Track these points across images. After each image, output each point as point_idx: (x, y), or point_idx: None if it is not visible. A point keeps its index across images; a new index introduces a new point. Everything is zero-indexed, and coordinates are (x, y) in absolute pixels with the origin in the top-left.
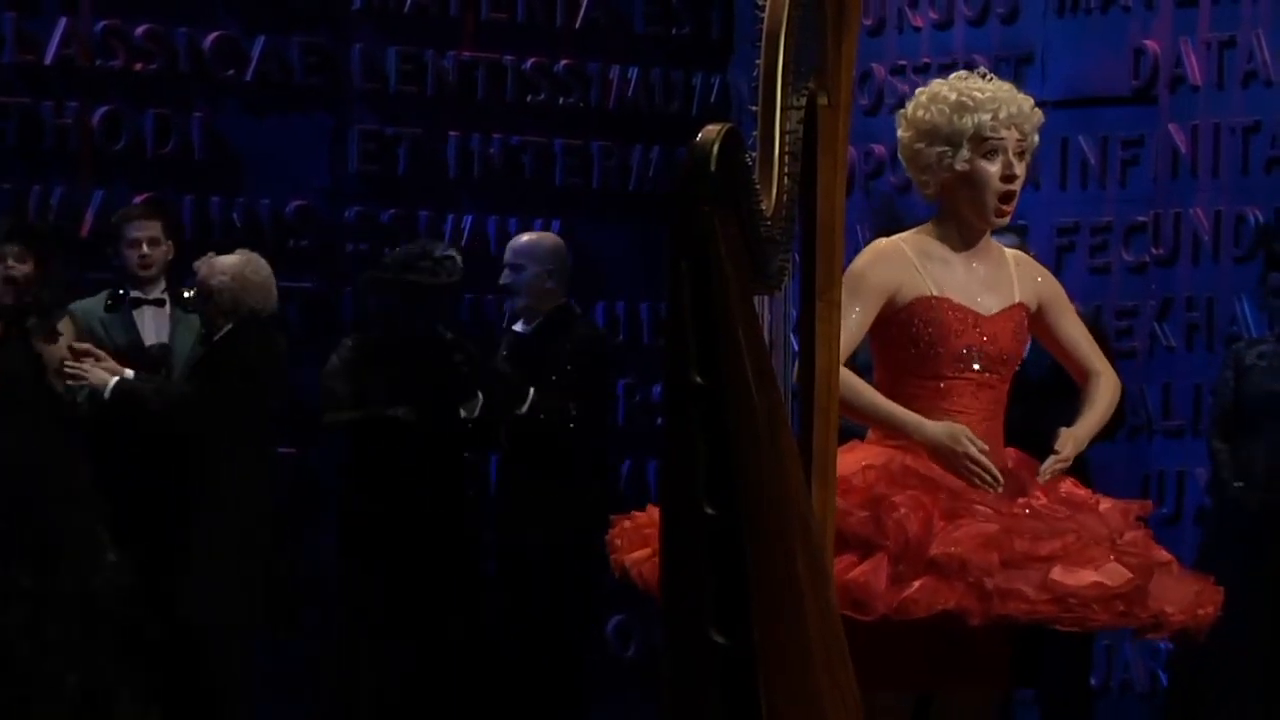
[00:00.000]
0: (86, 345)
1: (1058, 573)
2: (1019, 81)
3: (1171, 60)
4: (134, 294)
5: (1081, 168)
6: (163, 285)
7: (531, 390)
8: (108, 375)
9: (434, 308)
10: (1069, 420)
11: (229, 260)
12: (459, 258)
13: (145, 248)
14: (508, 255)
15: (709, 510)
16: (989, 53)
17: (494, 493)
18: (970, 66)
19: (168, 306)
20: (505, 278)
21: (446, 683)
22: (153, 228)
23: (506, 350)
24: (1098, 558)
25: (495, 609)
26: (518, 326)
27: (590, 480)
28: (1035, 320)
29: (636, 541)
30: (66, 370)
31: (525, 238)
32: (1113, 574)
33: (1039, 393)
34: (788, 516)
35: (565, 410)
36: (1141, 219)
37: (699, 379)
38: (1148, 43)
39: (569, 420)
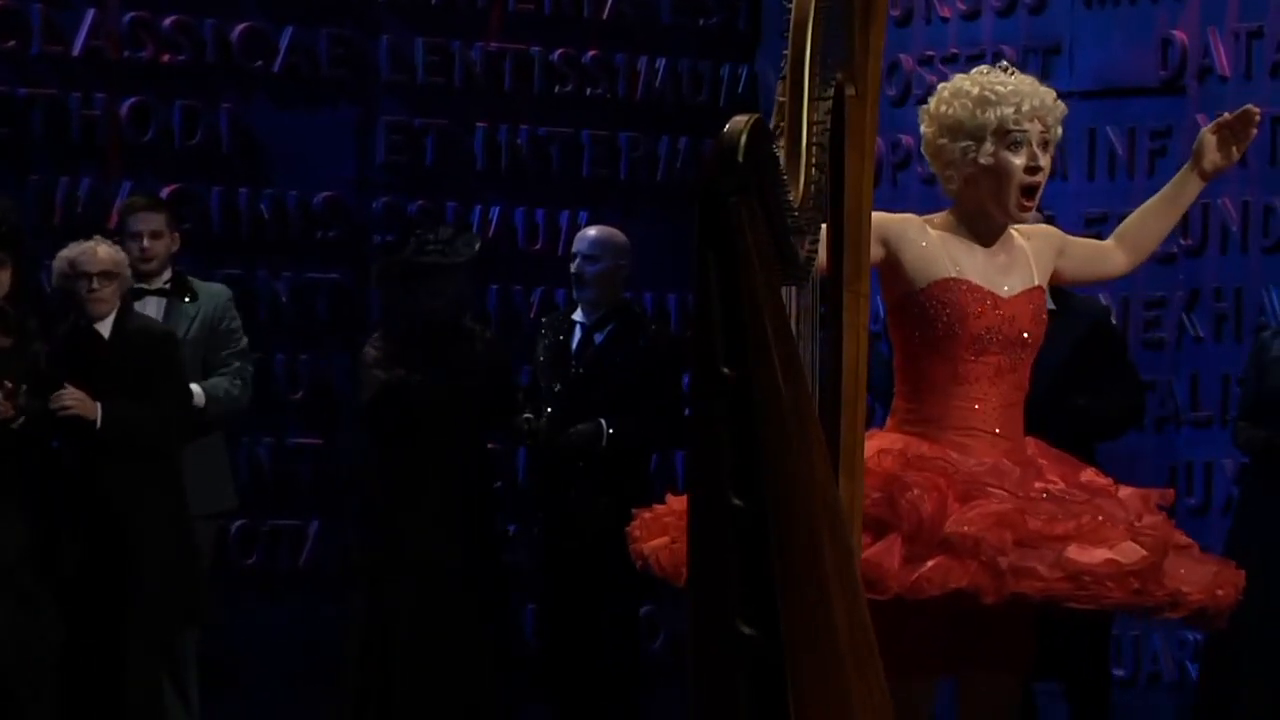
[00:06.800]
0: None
1: (1072, 551)
2: (1046, 72)
3: (1199, 50)
4: (138, 285)
5: (1109, 158)
6: (165, 276)
7: (603, 423)
8: (94, 406)
9: (441, 287)
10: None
11: (106, 249)
12: (476, 241)
13: (146, 240)
14: (583, 246)
15: (736, 501)
16: (1016, 43)
17: (523, 483)
18: (998, 57)
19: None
20: (577, 266)
21: (470, 673)
22: (155, 221)
23: (576, 343)
24: (1113, 538)
25: (528, 600)
26: (578, 315)
27: (626, 474)
28: (1059, 273)
29: (655, 530)
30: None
31: (594, 231)
32: (1127, 552)
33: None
34: (815, 508)
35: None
36: None
37: (726, 370)
38: (1175, 33)
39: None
